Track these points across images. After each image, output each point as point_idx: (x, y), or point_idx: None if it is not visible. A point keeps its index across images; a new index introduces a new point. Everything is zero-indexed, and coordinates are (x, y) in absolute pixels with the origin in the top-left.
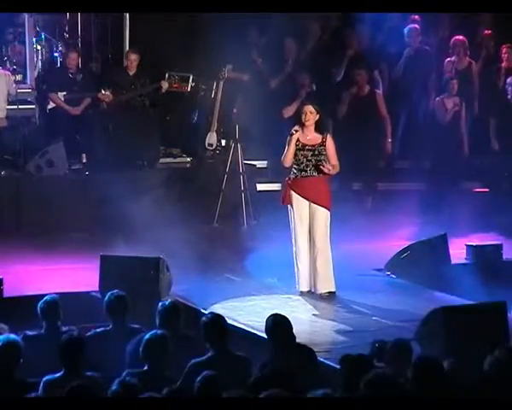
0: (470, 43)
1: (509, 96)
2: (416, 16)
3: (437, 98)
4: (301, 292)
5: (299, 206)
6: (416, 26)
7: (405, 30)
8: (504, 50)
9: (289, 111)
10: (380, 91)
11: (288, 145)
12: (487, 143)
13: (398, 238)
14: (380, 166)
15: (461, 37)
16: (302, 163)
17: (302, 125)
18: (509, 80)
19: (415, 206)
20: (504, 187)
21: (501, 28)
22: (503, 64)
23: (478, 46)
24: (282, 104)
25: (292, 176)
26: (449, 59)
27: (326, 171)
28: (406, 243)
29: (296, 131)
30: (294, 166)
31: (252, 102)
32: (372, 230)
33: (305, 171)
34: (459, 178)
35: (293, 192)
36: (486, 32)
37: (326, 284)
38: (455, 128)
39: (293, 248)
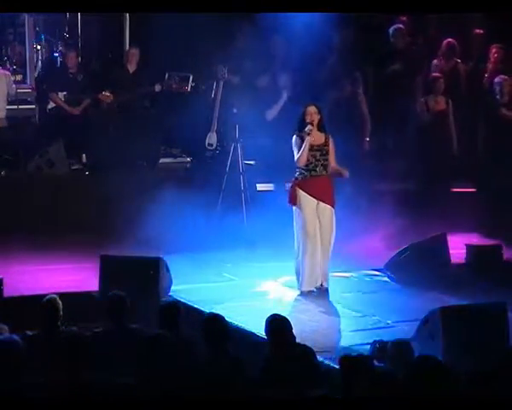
0: (461, 44)
1: (497, 97)
2: (404, 17)
3: (421, 99)
4: (302, 291)
5: (309, 206)
6: (401, 26)
7: (390, 30)
8: (494, 50)
9: (272, 113)
10: (361, 91)
11: (304, 145)
12: (476, 143)
13: (396, 238)
14: (362, 164)
15: (451, 39)
16: (311, 163)
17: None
18: (496, 80)
19: (406, 206)
20: (492, 187)
21: (492, 28)
22: (491, 64)
23: (469, 47)
24: (268, 104)
25: (300, 176)
26: (435, 60)
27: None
28: (405, 244)
29: (311, 130)
30: (302, 166)
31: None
32: (370, 230)
33: (315, 170)
34: (448, 177)
35: (302, 192)
36: (477, 31)
37: (325, 280)
38: (441, 128)
39: (303, 247)
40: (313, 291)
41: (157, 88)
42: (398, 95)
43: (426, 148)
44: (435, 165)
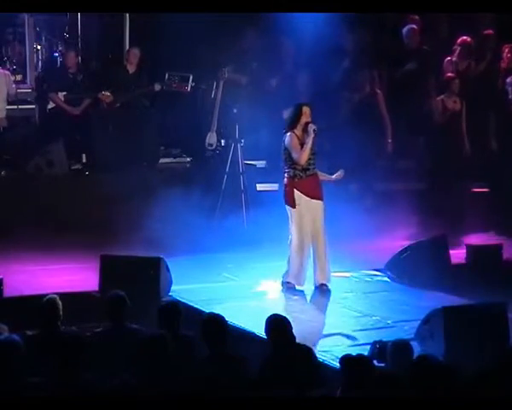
0: (473, 44)
1: (509, 96)
2: (416, 16)
3: (437, 98)
4: (294, 286)
5: (305, 205)
6: (414, 26)
7: (404, 30)
8: (507, 50)
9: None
10: (379, 91)
11: (307, 143)
12: (487, 143)
13: (398, 238)
14: (380, 165)
15: (468, 38)
16: (306, 162)
17: (301, 126)
18: (508, 80)
19: (415, 206)
20: (505, 187)
21: (503, 28)
22: (503, 64)
23: (481, 46)
24: (280, 105)
25: (296, 177)
26: (448, 58)
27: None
28: (406, 243)
29: (314, 128)
30: (297, 166)
31: (249, 103)
32: (372, 230)
33: (309, 170)
34: (460, 177)
35: (299, 193)
36: (488, 32)
37: (326, 276)
38: (455, 128)
39: (297, 245)
40: (294, 285)
41: (156, 87)
42: (412, 95)
43: (440, 147)
44: (449, 165)
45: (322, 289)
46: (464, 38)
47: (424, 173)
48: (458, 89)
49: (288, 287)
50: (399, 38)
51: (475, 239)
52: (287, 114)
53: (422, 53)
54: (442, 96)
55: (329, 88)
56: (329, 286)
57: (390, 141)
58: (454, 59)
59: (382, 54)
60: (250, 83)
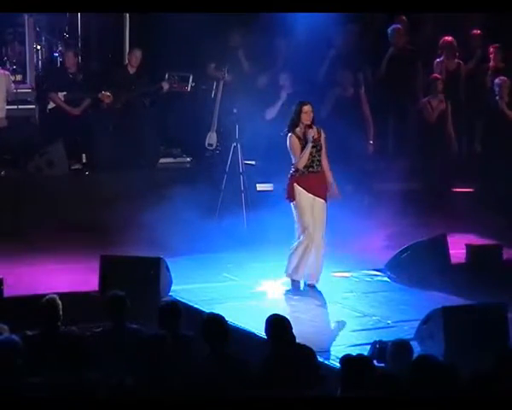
0: (460, 44)
1: (496, 97)
2: (404, 17)
3: (423, 99)
4: (299, 284)
5: (307, 202)
6: (399, 26)
7: (389, 30)
8: (491, 50)
9: (272, 113)
10: (363, 92)
11: (305, 150)
12: (473, 143)
13: (396, 238)
14: (365, 166)
15: (449, 37)
16: (308, 160)
17: (303, 125)
18: (496, 81)
19: (408, 206)
20: (490, 187)
21: (491, 28)
22: (491, 64)
23: (469, 46)
24: (269, 103)
25: (297, 173)
26: (438, 60)
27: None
28: (405, 243)
29: (313, 135)
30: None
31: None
32: (370, 230)
33: (312, 167)
34: (450, 177)
35: (300, 188)
36: (476, 32)
37: (318, 276)
38: (442, 128)
39: (303, 242)
40: (298, 283)
41: (165, 86)
42: (397, 95)
43: (427, 148)
44: (437, 165)
45: (311, 289)
46: (446, 38)
47: (414, 173)
48: (442, 89)
49: (294, 285)
50: (386, 38)
51: (462, 239)
52: (269, 114)
53: (407, 53)
54: (428, 97)
55: (316, 85)
56: (317, 287)
57: (371, 142)
58: (442, 59)
59: (368, 54)
60: (242, 82)
